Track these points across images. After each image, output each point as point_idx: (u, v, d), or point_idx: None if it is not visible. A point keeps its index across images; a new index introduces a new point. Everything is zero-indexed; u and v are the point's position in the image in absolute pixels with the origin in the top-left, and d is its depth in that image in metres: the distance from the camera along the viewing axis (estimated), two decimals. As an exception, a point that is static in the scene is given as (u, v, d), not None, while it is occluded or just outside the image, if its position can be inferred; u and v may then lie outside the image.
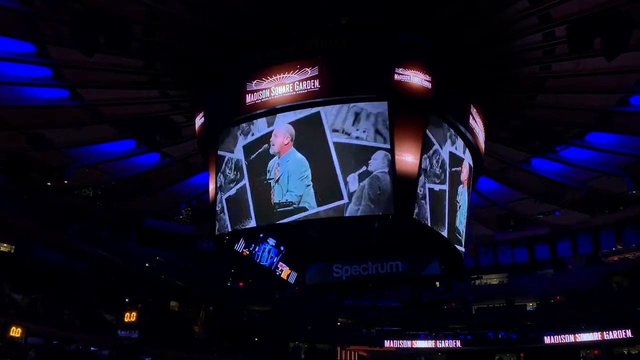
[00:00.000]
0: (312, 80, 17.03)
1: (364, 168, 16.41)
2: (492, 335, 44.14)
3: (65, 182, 31.11)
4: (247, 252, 21.05)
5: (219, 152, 19.52)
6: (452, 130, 18.73)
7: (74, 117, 24.11)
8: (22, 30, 18.62)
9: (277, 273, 22.61)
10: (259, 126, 18.31)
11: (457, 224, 19.72)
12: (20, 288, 32.16)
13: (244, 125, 18.71)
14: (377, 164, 16.37)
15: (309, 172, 16.99)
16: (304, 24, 18.02)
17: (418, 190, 16.53)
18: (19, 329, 27.94)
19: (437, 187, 17.94)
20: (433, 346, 44.92)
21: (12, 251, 35.12)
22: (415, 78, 16.96)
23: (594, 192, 29.61)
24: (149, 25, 18.61)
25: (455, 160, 19.22)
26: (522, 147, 25.08)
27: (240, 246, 20.68)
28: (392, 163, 16.15)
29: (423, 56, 17.56)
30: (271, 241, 21.87)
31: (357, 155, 16.59)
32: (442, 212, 18.32)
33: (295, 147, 17.47)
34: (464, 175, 20.19)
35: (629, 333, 36.99)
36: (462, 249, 20.25)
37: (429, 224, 17.29)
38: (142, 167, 29.70)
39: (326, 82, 16.96)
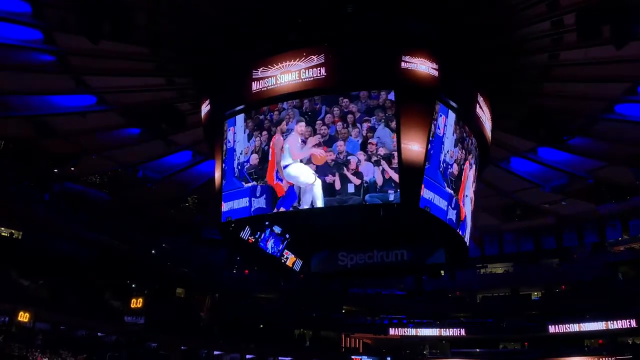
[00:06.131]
0: (318, 68, 16.91)
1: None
2: (496, 323, 44.27)
3: (72, 169, 31.21)
4: (253, 240, 21.09)
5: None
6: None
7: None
8: (27, 16, 18.55)
9: (283, 261, 22.66)
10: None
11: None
12: (28, 274, 32.44)
13: None
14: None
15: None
16: (310, 11, 17.88)
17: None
18: (27, 314, 28.20)
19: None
20: (437, 334, 45.07)
21: (20, 237, 35.37)
22: (422, 66, 16.83)
23: (600, 181, 29.45)
24: (154, 13, 18.52)
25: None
26: (529, 136, 24.90)
27: (245, 234, 20.71)
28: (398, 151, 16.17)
29: (430, 44, 17.43)
30: (277, 229, 21.89)
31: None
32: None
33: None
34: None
35: (633, 323, 37.02)
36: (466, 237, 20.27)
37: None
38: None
39: (332, 70, 16.86)
